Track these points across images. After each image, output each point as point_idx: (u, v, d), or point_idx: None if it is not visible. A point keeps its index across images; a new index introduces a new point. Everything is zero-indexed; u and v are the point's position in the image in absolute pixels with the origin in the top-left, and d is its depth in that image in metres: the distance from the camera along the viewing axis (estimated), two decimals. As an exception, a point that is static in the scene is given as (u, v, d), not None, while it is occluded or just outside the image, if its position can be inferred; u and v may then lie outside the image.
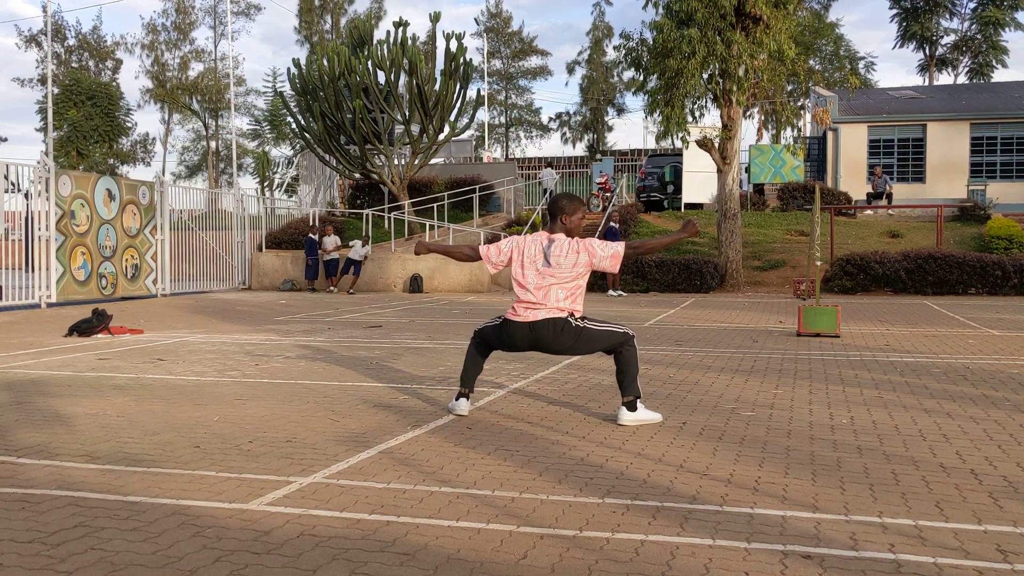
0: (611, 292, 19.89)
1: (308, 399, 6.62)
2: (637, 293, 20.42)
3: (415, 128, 26.98)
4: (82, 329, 11.51)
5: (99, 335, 11.47)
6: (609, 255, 5.53)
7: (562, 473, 4.43)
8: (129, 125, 56.32)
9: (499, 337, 5.81)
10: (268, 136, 61.90)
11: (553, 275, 5.49)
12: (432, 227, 24.61)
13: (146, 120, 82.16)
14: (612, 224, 20.46)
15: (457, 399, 5.98)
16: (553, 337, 5.53)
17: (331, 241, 22.21)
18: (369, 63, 25.96)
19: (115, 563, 3.22)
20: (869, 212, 26.40)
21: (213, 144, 65.43)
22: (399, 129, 27.53)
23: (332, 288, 21.92)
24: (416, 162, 27.59)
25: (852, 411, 6.07)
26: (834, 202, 25.56)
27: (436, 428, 5.54)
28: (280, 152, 57.26)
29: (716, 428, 5.53)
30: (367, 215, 24.73)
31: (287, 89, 33.71)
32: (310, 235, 22.63)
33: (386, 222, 25.60)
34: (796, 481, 4.29)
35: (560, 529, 3.57)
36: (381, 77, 26.30)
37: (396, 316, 14.46)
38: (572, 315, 5.56)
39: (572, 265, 5.48)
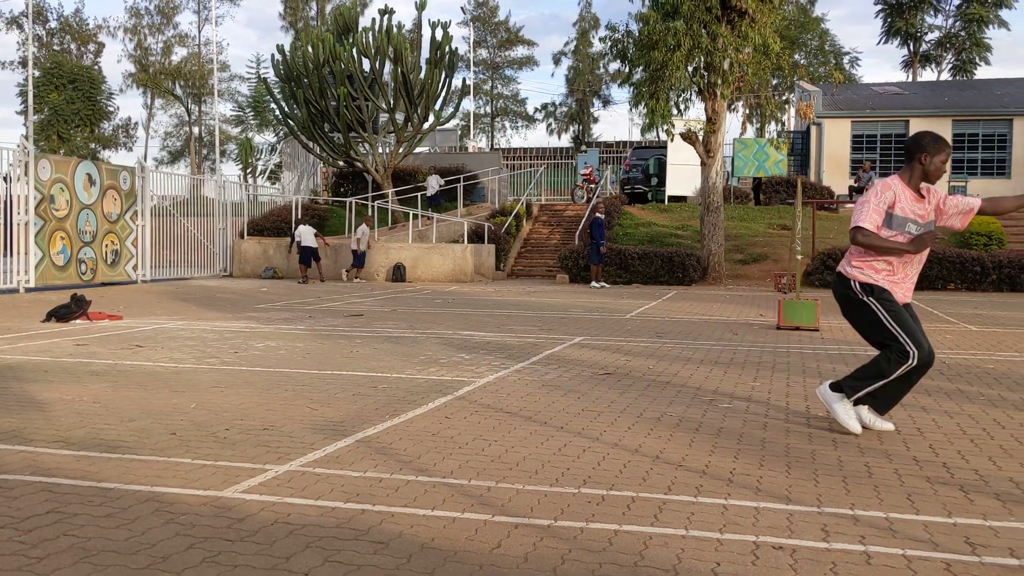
0: (594, 284, 19.91)
1: (287, 387, 6.60)
2: (620, 285, 20.45)
3: (400, 117, 26.90)
4: (60, 315, 11.43)
5: (77, 321, 11.39)
6: (962, 210, 4.94)
7: (539, 463, 4.45)
8: (111, 109, 55.82)
9: None
10: (251, 123, 61.54)
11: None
12: (416, 216, 24.57)
13: (128, 105, 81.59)
14: (598, 215, 20.44)
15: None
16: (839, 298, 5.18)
17: (307, 231, 22.00)
18: (354, 51, 25.83)
19: (87, 549, 3.21)
20: (850, 207, 26.53)
21: (196, 130, 64.96)
22: (383, 117, 27.44)
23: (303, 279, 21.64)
24: (400, 151, 27.51)
25: (828, 404, 6.11)
26: (816, 197, 25.67)
27: (414, 417, 5.53)
28: (263, 139, 57.01)
29: (693, 420, 5.55)
30: (350, 203, 24.65)
31: (271, 75, 33.55)
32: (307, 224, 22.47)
33: (369, 210, 25.51)
34: (771, 473, 4.32)
35: (535, 519, 3.58)
36: (366, 65, 26.19)
37: (378, 305, 14.43)
38: (854, 280, 5.04)
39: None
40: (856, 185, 26.84)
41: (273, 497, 3.84)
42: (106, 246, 18.82)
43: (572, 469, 4.35)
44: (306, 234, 21.47)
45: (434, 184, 27.64)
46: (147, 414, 5.60)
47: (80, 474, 4.20)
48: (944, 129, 28.97)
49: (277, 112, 31.91)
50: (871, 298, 4.99)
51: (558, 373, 7.37)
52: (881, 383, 4.96)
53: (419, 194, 26.97)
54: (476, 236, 23.38)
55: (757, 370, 7.69)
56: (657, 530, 3.45)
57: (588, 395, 6.35)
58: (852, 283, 5.07)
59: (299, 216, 23.60)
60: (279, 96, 27.64)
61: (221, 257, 23.79)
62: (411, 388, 6.59)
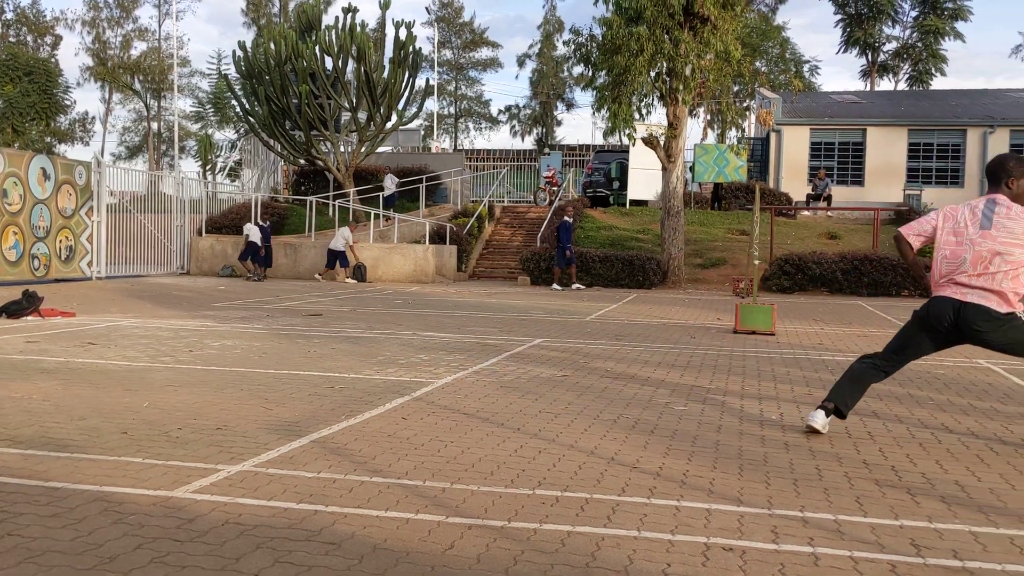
0: (555, 286, 19.91)
1: (242, 387, 6.53)
2: (575, 285, 20.51)
3: (362, 115, 26.74)
4: (11, 311, 11.20)
5: (29, 317, 11.17)
6: None
7: (495, 465, 4.45)
8: (68, 103, 54.79)
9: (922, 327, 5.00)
10: (212, 119, 60.74)
11: (995, 240, 4.66)
12: (377, 216, 24.45)
13: (86, 99, 79.88)
14: (567, 218, 20.40)
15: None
16: (980, 322, 4.72)
17: (254, 229, 21.83)
18: (317, 48, 25.64)
19: (32, 549, 3.15)
20: (808, 213, 26.90)
21: (155, 125, 64.05)
22: (346, 116, 27.26)
23: (251, 275, 21.38)
24: (363, 150, 27.36)
25: (782, 408, 6.20)
26: (775, 203, 25.98)
27: (370, 418, 5.51)
28: (223, 135, 56.30)
29: (649, 422, 5.59)
30: (311, 202, 24.46)
31: (232, 72, 33.14)
32: (258, 222, 22.22)
33: (331, 209, 25.34)
34: (723, 475, 4.37)
35: (489, 520, 3.58)
36: (328, 63, 26.00)
37: (338, 305, 14.34)
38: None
39: (1022, 233, 4.62)
40: (813, 192, 27.21)
41: (225, 497, 3.81)
42: (60, 242, 18.48)
43: (528, 470, 4.36)
44: (253, 232, 21.44)
45: (390, 184, 27.44)
46: (98, 413, 5.51)
47: (27, 473, 4.13)
48: (900, 138, 29.51)
49: (238, 109, 31.55)
50: None
51: (516, 375, 7.38)
52: None
53: (380, 194, 26.84)
54: (438, 237, 23.33)
55: (713, 373, 7.76)
56: (610, 531, 3.47)
57: (546, 397, 6.37)
58: None
59: (258, 213, 23.34)
60: (240, 92, 27.33)
61: (179, 255, 23.47)
62: (368, 389, 6.56)
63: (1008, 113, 29.99)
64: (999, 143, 28.61)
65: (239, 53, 25.97)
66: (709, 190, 29.16)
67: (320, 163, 27.17)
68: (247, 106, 26.78)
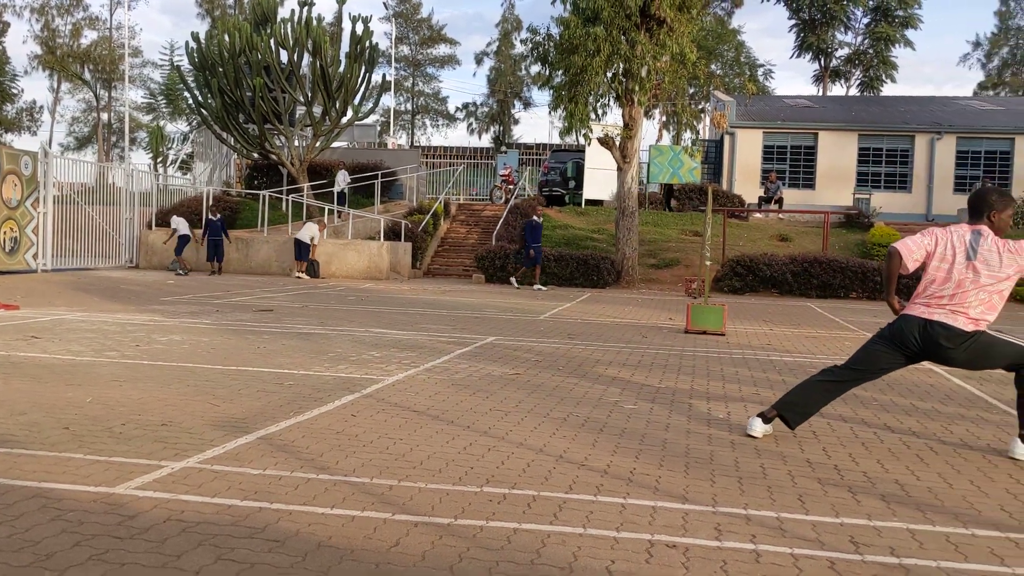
0: (512, 281, 19.86)
1: (189, 382, 6.45)
2: (536, 286, 20.57)
3: (317, 110, 26.50)
4: (-49, 303, 10.92)
5: (-31, 310, 10.90)
6: None
7: (443, 462, 4.45)
8: (14, 92, 53.63)
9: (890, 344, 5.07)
10: (163, 110, 59.78)
11: (978, 273, 4.81)
12: (331, 211, 24.24)
13: (34, 88, 78.39)
14: (535, 218, 20.21)
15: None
16: (946, 343, 4.83)
17: (182, 222, 21.62)
18: (272, 41, 25.37)
19: (-35, 547, 3.08)
20: (760, 215, 27.25)
21: (105, 116, 62.84)
22: (300, 110, 27.00)
23: (180, 269, 21.11)
24: (317, 144, 27.11)
25: (729, 407, 6.27)
26: (728, 204, 26.28)
27: (319, 415, 5.47)
28: (175, 128, 55.43)
29: (598, 420, 5.63)
30: (264, 196, 24.17)
31: (185, 63, 32.62)
32: (209, 216, 21.92)
33: (284, 204, 25.07)
34: (669, 473, 4.41)
35: (435, 517, 3.58)
36: (284, 56, 25.74)
37: (289, 301, 14.20)
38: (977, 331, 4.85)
39: (999, 266, 4.78)
40: (765, 195, 27.57)
41: (167, 494, 3.75)
42: (4, 233, 18.06)
43: (476, 468, 4.36)
44: (181, 225, 21.27)
45: (341, 180, 27.17)
46: (39, 407, 5.40)
47: (-38, 469, 4.03)
48: (851, 142, 30.01)
49: (190, 100, 31.07)
50: None
51: (468, 372, 7.38)
52: None
53: (335, 189, 26.62)
54: (393, 233, 23.22)
55: (663, 372, 7.83)
56: (556, 528, 3.49)
57: (497, 395, 6.38)
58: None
59: (211, 205, 22.99)
60: (193, 84, 26.90)
61: (128, 248, 23.06)
62: (318, 385, 6.51)
63: (955, 120, 30.66)
64: (946, 149, 29.26)
65: (192, 44, 25.57)
66: (661, 191, 29.37)
67: (274, 157, 26.88)
68: (200, 98, 26.38)
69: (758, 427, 5.28)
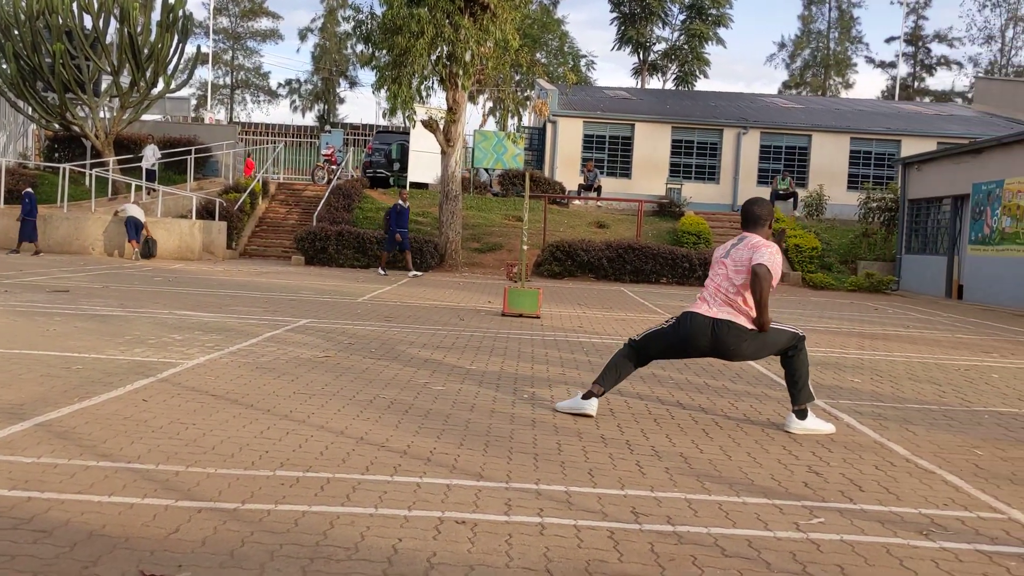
0: (380, 271, 19.21)
1: (-39, 367, 5.95)
2: (357, 268, 20.32)
3: (125, 80, 25.03)
4: None
5: None
6: (758, 266, 4.99)
7: (236, 447, 4.31)
8: None
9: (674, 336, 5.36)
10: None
11: (724, 266, 5.21)
12: (139, 188, 22.98)
13: None
14: (400, 202, 19.45)
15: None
16: (725, 337, 5.16)
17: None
18: (74, 5, 23.74)
19: None
20: (579, 203, 28.03)
21: None
22: (107, 80, 25.42)
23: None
24: (125, 116, 25.62)
25: (535, 387, 6.42)
26: (549, 191, 26.87)
27: (107, 400, 5.18)
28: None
29: (405, 402, 5.62)
30: (64, 170, 22.59)
31: (-25, 22, 29.92)
32: (27, 191, 20.13)
33: (87, 179, 23.53)
34: (468, 452, 4.47)
35: (221, 503, 3.47)
36: (88, 21, 24.12)
37: (89, 281, 13.36)
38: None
39: (741, 260, 5.14)
40: (584, 183, 28.36)
41: (-80, 488, 3.45)
42: None
43: (271, 452, 4.26)
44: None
45: (150, 155, 25.71)
46: None
47: None
48: (664, 135, 31.32)
49: (-19, 64, 28.59)
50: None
51: (275, 355, 7.19)
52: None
53: (144, 165, 25.23)
54: (206, 212, 22.25)
55: (476, 354, 7.92)
56: (346, 509, 3.46)
57: (302, 378, 6.25)
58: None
59: (2, 180, 21.27)
60: (-17, 46, 24.79)
61: (-96, 222, 20.98)
62: (110, 369, 6.16)
63: (760, 116, 32.62)
64: (751, 143, 31.05)
65: (-18, 2, 23.53)
66: (494, 176, 29.61)
67: (76, 128, 25.20)
68: (-9, 62, 24.34)
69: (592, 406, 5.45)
